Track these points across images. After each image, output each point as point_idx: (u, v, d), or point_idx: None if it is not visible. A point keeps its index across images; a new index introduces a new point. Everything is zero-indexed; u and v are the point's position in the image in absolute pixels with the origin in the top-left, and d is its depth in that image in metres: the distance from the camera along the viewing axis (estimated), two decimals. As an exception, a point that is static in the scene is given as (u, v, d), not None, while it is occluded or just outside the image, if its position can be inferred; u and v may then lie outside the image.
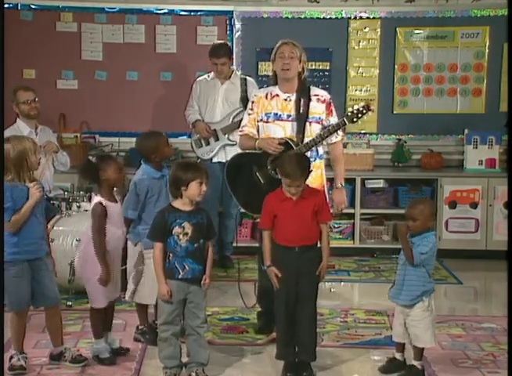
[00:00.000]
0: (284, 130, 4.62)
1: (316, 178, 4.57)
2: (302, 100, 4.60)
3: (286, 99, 4.63)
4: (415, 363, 4.03)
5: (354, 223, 6.93)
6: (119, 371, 4.13)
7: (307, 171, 4.02)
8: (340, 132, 4.71)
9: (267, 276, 4.33)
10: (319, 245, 4.08)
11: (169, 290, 3.87)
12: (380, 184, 7.03)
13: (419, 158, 7.25)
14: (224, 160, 6.19)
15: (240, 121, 6.20)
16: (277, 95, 4.65)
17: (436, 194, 6.82)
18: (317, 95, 4.66)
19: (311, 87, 4.72)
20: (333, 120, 4.66)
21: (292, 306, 4.04)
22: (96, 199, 4.21)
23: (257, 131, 4.71)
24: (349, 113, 4.54)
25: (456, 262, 6.45)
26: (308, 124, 4.60)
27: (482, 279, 6.45)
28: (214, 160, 6.24)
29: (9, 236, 3.94)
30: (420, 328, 3.97)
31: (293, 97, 4.63)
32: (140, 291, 4.47)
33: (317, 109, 4.64)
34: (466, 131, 7.05)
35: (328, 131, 4.54)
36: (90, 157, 4.32)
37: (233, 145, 6.27)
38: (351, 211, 6.90)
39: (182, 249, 3.88)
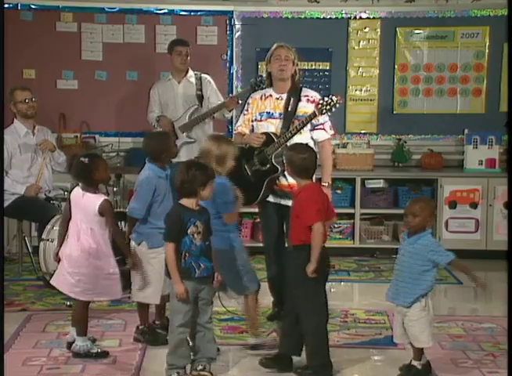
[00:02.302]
0: (276, 127, 4.86)
1: None
2: (292, 99, 4.85)
3: (278, 99, 4.91)
4: (414, 363, 4.02)
5: (354, 223, 6.91)
6: (119, 371, 4.12)
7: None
8: (329, 131, 4.91)
9: (275, 267, 4.56)
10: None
11: (187, 289, 3.86)
12: (380, 184, 7.03)
13: (419, 158, 7.24)
14: (185, 160, 6.00)
15: (197, 118, 6.22)
16: (270, 95, 4.95)
17: (436, 194, 6.81)
18: (307, 96, 4.90)
19: (304, 88, 4.96)
20: (323, 119, 4.84)
21: (290, 302, 4.09)
22: (99, 196, 4.22)
23: (252, 130, 4.95)
24: (319, 106, 4.73)
25: (456, 262, 6.43)
26: (296, 121, 4.79)
27: (482, 279, 6.41)
28: (175, 160, 5.75)
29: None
30: (416, 328, 3.96)
31: (285, 96, 4.88)
32: (144, 291, 4.44)
33: (306, 108, 4.85)
34: (466, 131, 7.04)
35: (302, 123, 4.75)
36: (82, 159, 4.23)
37: (193, 142, 6.22)
38: (351, 211, 6.90)
39: (197, 248, 3.88)
